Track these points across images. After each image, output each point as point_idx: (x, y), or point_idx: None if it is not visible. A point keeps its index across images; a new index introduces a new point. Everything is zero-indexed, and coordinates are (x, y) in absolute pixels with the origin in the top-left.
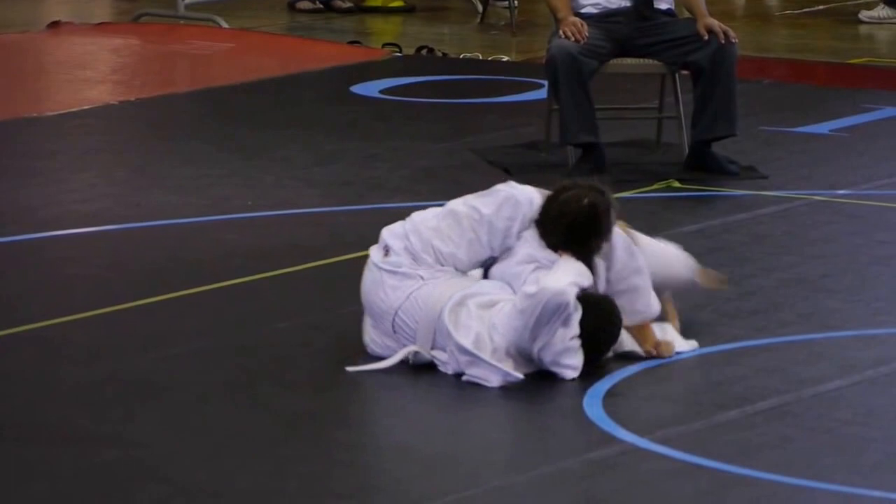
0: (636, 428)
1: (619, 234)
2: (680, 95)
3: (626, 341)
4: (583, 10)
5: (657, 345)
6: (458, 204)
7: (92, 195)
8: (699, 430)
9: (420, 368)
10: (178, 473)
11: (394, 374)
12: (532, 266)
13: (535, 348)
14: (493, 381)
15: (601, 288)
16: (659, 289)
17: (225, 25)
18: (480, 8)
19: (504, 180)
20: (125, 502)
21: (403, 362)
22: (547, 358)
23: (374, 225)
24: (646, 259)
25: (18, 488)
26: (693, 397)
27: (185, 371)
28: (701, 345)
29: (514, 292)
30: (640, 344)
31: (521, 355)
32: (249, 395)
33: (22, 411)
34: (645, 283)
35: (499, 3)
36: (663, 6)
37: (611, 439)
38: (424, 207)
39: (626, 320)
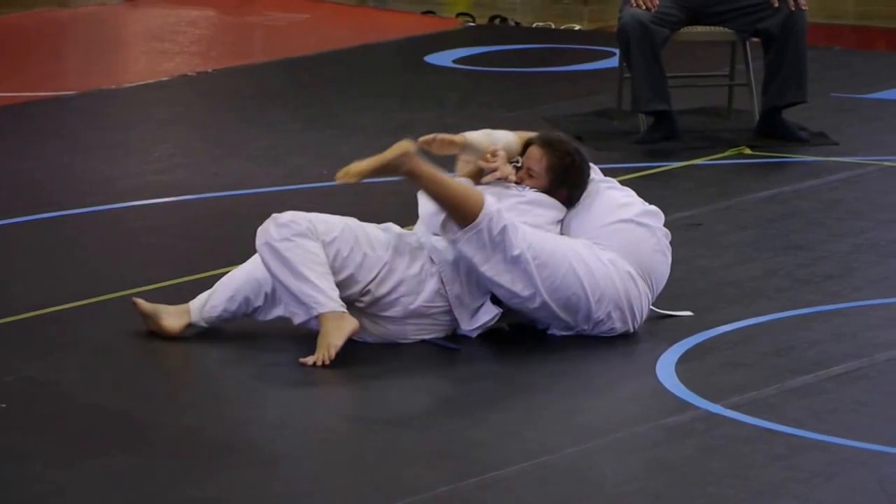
0: (709, 394)
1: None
2: (750, 63)
3: None
4: None
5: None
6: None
7: (170, 165)
8: (773, 395)
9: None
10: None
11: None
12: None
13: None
14: None
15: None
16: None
17: None
18: None
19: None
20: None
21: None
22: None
23: None
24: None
25: (121, 454)
26: (766, 363)
27: (268, 337)
28: (774, 310)
29: None
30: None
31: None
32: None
33: (107, 380)
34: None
35: None
36: None
37: (684, 405)
38: None
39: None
